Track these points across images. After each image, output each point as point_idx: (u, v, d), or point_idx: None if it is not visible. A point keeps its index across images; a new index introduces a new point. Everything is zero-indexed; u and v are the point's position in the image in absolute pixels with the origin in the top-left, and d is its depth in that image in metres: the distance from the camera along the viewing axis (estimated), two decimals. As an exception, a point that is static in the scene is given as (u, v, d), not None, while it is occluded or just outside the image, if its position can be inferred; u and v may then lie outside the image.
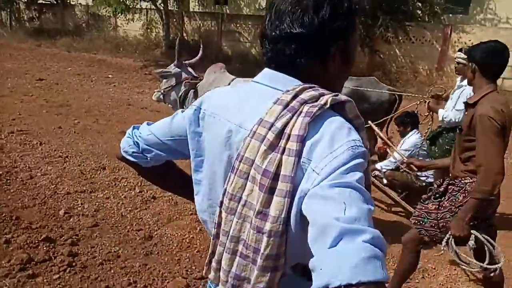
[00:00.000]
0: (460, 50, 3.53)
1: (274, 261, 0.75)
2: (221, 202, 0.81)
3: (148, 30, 13.34)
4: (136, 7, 12.54)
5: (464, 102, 2.30)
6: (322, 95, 0.77)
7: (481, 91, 2.03)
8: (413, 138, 3.97)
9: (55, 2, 15.92)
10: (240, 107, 0.84)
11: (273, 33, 0.81)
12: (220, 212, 0.81)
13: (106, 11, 13.42)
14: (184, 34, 13.91)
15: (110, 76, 10.13)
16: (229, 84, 3.31)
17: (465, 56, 2.89)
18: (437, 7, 9.90)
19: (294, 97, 0.77)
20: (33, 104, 6.82)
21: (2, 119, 5.84)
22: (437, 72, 10.35)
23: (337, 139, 0.72)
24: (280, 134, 0.74)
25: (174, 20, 13.68)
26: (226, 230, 0.80)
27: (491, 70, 2.02)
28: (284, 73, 0.83)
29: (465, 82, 3.03)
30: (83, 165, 4.33)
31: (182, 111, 0.98)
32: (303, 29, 0.78)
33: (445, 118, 3.51)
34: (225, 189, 0.80)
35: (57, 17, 16.23)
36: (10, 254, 2.58)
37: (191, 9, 14.12)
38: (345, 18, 0.80)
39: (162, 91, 3.69)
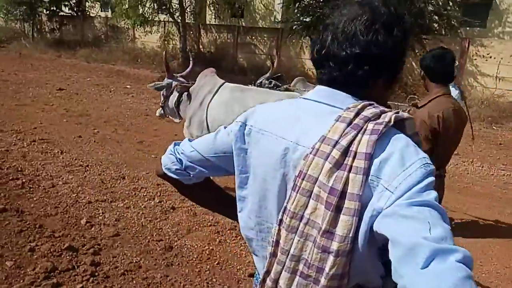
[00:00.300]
0: None
1: (338, 281, 0.73)
2: (280, 220, 0.79)
3: (165, 42, 13.58)
4: (155, 19, 12.80)
5: (411, 104, 2.40)
6: (383, 112, 0.77)
7: (429, 95, 2.18)
8: None
9: (75, 14, 16.38)
10: (293, 124, 0.84)
11: (343, 53, 0.80)
12: (279, 230, 0.79)
13: (125, 23, 13.76)
14: (201, 46, 14.13)
15: (128, 86, 10.31)
16: (219, 88, 3.55)
17: None
18: (455, 21, 9.83)
19: (357, 114, 0.77)
20: (54, 113, 6.97)
21: (25, 127, 5.97)
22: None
23: (407, 157, 0.71)
24: (345, 152, 0.73)
25: (191, 32, 13.91)
26: (286, 249, 0.78)
27: (437, 75, 2.15)
28: (342, 91, 0.83)
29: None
30: (103, 175, 4.37)
31: (225, 127, 0.97)
32: (379, 50, 0.78)
33: None
34: (285, 207, 0.78)
35: (77, 28, 16.70)
36: (34, 262, 2.60)
37: (207, 22, 14.35)
38: (408, 38, 0.82)
39: (161, 104, 3.90)
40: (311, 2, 10.10)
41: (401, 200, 0.66)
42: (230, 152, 0.92)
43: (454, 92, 3.48)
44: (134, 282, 2.56)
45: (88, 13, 16.29)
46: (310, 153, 0.77)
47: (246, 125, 0.90)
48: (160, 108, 3.94)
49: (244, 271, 2.87)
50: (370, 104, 0.79)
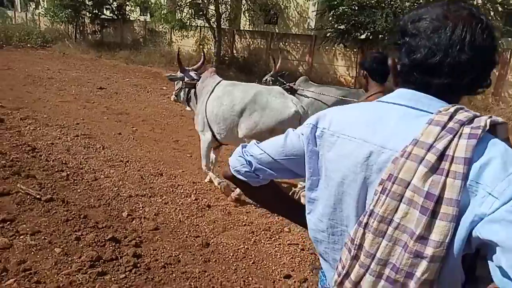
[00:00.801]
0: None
1: (428, 286, 0.73)
2: (366, 224, 0.78)
3: (201, 47, 13.86)
4: (192, 24, 13.12)
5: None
6: (476, 116, 0.77)
7: (368, 93, 2.44)
8: None
9: (116, 18, 17.03)
10: (375, 127, 0.83)
11: (462, 59, 0.79)
12: (364, 233, 0.79)
13: (162, 27, 14.17)
14: (234, 51, 14.33)
15: (164, 88, 10.58)
16: (215, 86, 4.01)
17: None
18: (495, 31, 9.49)
19: (450, 118, 0.76)
20: (95, 110, 7.26)
21: (68, 123, 6.26)
22: (494, 97, 9.85)
23: (509, 162, 0.71)
24: (441, 156, 0.73)
25: (226, 37, 14.14)
26: (371, 253, 0.78)
27: (376, 74, 2.45)
28: (437, 96, 0.83)
29: None
30: (142, 171, 4.51)
31: (293, 130, 0.99)
32: (490, 55, 0.80)
33: None
34: (372, 210, 0.78)
35: (117, 31, 17.36)
36: (80, 250, 2.71)
37: (241, 28, 14.55)
38: None
39: (174, 93, 4.61)
40: (346, 10, 10.05)
41: (508, 206, 0.66)
42: (300, 155, 0.93)
43: None
44: (174, 275, 2.63)
45: (128, 16, 16.90)
46: (401, 156, 0.76)
47: (317, 127, 0.91)
48: (174, 95, 4.65)
49: (279, 272, 2.88)
50: (461, 108, 0.78)
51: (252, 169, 1.00)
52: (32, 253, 2.61)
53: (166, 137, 6.10)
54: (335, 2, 9.69)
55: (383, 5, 9.52)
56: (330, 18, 10.32)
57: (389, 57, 0.93)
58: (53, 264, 2.52)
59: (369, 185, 0.82)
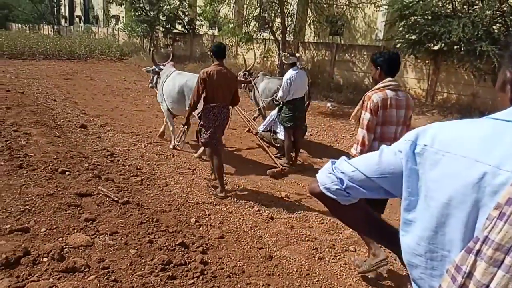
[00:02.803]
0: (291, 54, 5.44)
1: None
2: (478, 251, 0.72)
3: (265, 59, 14.12)
4: (258, 37, 13.44)
5: None
6: None
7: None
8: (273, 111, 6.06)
9: (186, 32, 18.05)
10: (488, 146, 0.77)
11: None
12: (475, 261, 0.73)
13: (229, 40, 14.68)
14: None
15: (228, 99, 10.90)
16: (171, 73, 5.73)
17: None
18: None
19: None
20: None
21: (142, 130, 6.71)
22: None
23: None
24: None
25: (289, 49, 14.25)
26: (484, 283, 0.71)
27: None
28: None
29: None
30: (209, 179, 4.66)
31: (387, 145, 0.94)
32: None
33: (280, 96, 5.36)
34: (486, 237, 0.72)
35: (187, 45, 18.37)
36: (152, 253, 2.86)
37: (306, 40, 14.57)
38: None
39: (150, 80, 6.66)
40: (419, 19, 9.59)
41: None
42: (396, 173, 0.88)
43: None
44: (239, 286, 2.65)
45: (198, 31, 17.84)
46: None
47: (417, 144, 0.86)
48: (150, 83, 6.68)
49: (345, 293, 2.77)
50: None
51: (343, 186, 0.96)
52: (110, 252, 2.81)
53: (230, 146, 6.26)
54: (407, 12, 9.29)
55: (460, 14, 8.93)
56: (401, 28, 9.92)
57: (507, 69, 0.84)
58: (128, 264, 2.68)
59: (480, 208, 0.75)
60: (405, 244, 0.90)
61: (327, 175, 1.00)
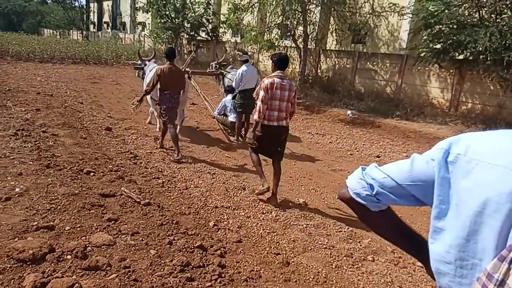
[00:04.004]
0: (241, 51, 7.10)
1: None
2: None
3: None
4: (280, 45, 13.52)
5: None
6: None
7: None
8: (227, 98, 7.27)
9: (209, 39, 18.34)
10: None
11: None
12: (508, 269, 0.72)
13: (251, 47, 14.82)
14: (319, 71, 14.34)
15: (249, 105, 11.00)
16: (154, 67, 6.46)
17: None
18: None
19: None
20: (188, 124, 7.83)
21: (205, 154, 6.84)
22: None
23: None
24: None
25: (311, 57, 14.26)
26: None
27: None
28: None
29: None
30: (227, 183, 4.71)
31: (419, 154, 0.94)
32: None
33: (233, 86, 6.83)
34: None
35: (210, 51, 18.66)
36: (172, 254, 2.92)
37: (328, 47, 14.54)
38: None
39: (136, 72, 7.77)
40: (444, 28, 9.43)
41: None
42: (428, 181, 0.89)
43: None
44: (255, 290, 2.67)
45: (220, 38, 18.11)
46: None
47: (449, 152, 0.86)
48: (136, 73, 7.85)
49: (362, 302, 2.74)
50: None
51: (374, 193, 0.97)
52: (132, 252, 2.88)
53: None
54: (432, 21, 9.16)
55: (487, 23, 8.73)
56: (425, 37, 9.78)
57: None
58: (149, 264, 2.74)
59: None
60: (434, 252, 0.90)
61: (358, 181, 1.00)
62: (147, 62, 7.20)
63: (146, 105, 7.21)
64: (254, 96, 6.18)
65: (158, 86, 5.49)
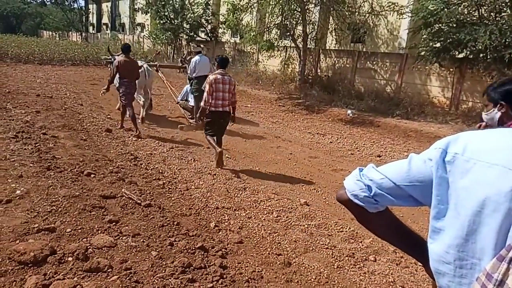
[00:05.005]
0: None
1: None
2: (511, 258, 0.72)
3: (285, 66, 14.17)
4: (279, 45, 13.52)
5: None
6: None
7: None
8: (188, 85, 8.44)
9: (209, 40, 18.34)
10: None
11: None
12: (508, 269, 0.72)
13: (250, 48, 14.82)
14: (318, 70, 14.34)
15: (249, 105, 11.00)
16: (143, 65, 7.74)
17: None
18: None
19: None
20: (158, 112, 7.82)
21: (164, 135, 6.84)
22: None
23: None
24: None
25: (310, 57, 14.25)
26: None
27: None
28: None
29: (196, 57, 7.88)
30: (228, 184, 4.71)
31: (417, 155, 0.93)
32: None
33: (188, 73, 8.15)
34: None
35: (209, 52, 18.62)
36: (173, 256, 2.91)
37: (327, 47, 14.54)
38: None
39: (109, 67, 8.72)
40: (443, 27, 9.43)
41: None
42: (426, 181, 0.88)
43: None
44: (257, 290, 2.66)
45: (220, 38, 18.10)
46: None
47: (447, 152, 0.86)
48: (109, 67, 8.74)
49: (364, 302, 2.74)
50: None
51: (371, 194, 0.96)
52: (133, 253, 2.88)
53: (248, 152, 6.30)
54: (432, 19, 9.15)
55: (487, 21, 8.73)
56: (425, 36, 9.77)
57: None
58: (150, 266, 2.73)
59: None
60: (433, 252, 0.90)
61: (355, 182, 0.99)
62: (116, 57, 7.73)
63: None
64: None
65: (117, 75, 6.67)
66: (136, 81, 6.91)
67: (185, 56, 9.85)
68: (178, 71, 11.46)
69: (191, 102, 8.12)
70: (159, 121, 8.04)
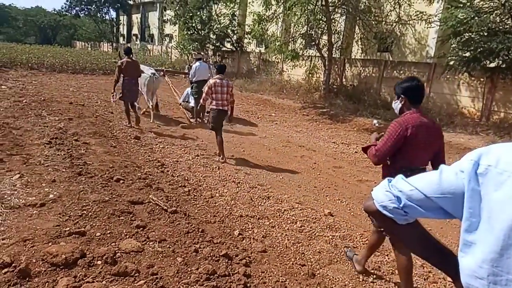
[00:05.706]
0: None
1: None
2: None
3: (310, 75, 14.16)
4: (304, 54, 13.55)
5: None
6: None
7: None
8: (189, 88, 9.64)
9: (234, 50, 18.61)
10: None
11: None
12: None
13: (275, 57, 14.91)
14: (344, 80, 14.24)
15: (273, 114, 11.04)
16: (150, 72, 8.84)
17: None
18: None
19: None
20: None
21: (189, 143, 6.96)
22: None
23: None
24: None
25: (335, 66, 14.19)
26: None
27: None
28: None
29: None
30: (252, 192, 4.73)
31: (448, 166, 0.92)
32: None
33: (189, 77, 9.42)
34: None
35: (234, 61, 18.93)
36: (198, 262, 2.94)
37: (353, 56, 14.44)
38: None
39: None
40: (474, 36, 9.18)
41: None
42: (457, 193, 0.87)
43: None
44: (281, 301, 2.65)
45: (245, 48, 18.35)
46: None
47: (479, 164, 0.84)
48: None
49: (390, 317, 2.67)
50: None
51: (401, 205, 0.95)
52: (159, 259, 2.93)
53: (273, 161, 6.31)
54: (462, 28, 8.94)
55: (521, 30, 8.45)
56: (454, 45, 9.54)
57: None
58: (175, 272, 2.78)
59: None
60: (465, 266, 0.87)
61: (384, 193, 0.98)
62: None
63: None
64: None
65: (122, 75, 7.53)
66: (144, 85, 8.14)
67: (191, 65, 10.60)
68: (184, 76, 12.50)
69: (192, 103, 9.09)
70: (164, 120, 8.94)
